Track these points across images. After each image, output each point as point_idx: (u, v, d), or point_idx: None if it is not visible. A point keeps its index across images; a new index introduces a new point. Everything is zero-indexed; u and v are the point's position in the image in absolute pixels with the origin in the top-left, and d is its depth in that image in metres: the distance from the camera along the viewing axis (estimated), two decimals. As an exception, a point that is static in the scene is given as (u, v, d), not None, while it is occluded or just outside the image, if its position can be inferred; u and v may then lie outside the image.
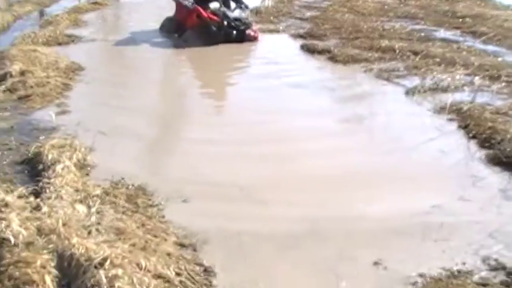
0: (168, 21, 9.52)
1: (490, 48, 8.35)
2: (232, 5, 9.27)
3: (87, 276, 2.83)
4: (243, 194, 4.12)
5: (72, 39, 8.73)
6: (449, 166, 4.67)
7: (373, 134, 5.39)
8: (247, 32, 8.99)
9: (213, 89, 7.03)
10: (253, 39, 9.03)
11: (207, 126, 5.52)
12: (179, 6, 9.20)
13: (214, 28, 8.68)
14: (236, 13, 9.08)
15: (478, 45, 8.52)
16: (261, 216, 3.83)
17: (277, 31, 9.80)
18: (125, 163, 4.57)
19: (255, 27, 9.35)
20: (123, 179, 4.24)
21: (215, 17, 8.71)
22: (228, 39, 8.76)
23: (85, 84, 6.68)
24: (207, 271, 3.21)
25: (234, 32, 8.82)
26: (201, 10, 8.63)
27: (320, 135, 5.28)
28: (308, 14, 10.97)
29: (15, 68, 6.58)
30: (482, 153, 4.86)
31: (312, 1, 12.38)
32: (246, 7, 9.43)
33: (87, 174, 4.36)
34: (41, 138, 4.92)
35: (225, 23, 8.76)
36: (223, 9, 8.94)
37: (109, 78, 7.22)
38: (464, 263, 3.29)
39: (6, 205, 3.54)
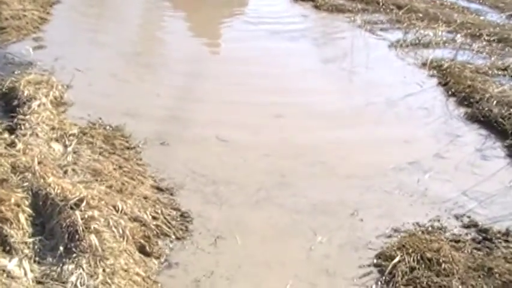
0: None
1: (473, 6, 8.30)
2: None
3: (63, 217, 2.80)
4: (220, 140, 4.10)
5: (49, -28, 8.42)
6: (427, 122, 4.68)
7: (353, 86, 5.39)
8: None
9: (194, 28, 6.89)
10: None
11: (187, 62, 5.47)
12: None
13: None
14: None
15: (461, 2, 8.46)
16: (236, 165, 3.81)
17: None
18: (102, 102, 4.50)
19: None
20: (100, 118, 4.18)
21: None
22: None
23: (63, 19, 6.50)
24: (184, 216, 3.21)
25: None
26: None
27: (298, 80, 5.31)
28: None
29: (-10, -1, 6.36)
30: (461, 111, 4.88)
31: None
32: None
33: (64, 112, 4.28)
34: (16, 73, 4.78)
35: None
36: None
37: (87, 13, 7.02)
38: (438, 220, 3.34)
39: (-20, 140, 3.46)
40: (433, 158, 4.09)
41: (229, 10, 7.55)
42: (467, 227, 3.30)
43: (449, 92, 5.21)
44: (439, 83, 5.45)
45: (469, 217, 3.39)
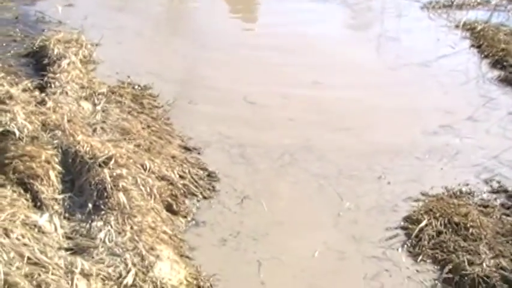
0: None
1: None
2: None
3: (92, 174, 2.83)
4: (247, 102, 4.09)
5: None
6: (460, 84, 4.62)
7: (385, 46, 5.30)
8: None
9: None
10: None
11: (213, 31, 5.38)
12: None
13: None
14: None
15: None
16: (263, 128, 3.80)
17: None
18: (131, 61, 4.51)
19: None
20: (128, 77, 4.19)
21: None
22: None
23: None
24: (211, 176, 3.23)
25: None
26: None
27: (330, 45, 5.20)
28: None
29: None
30: (494, 74, 4.80)
31: None
32: None
33: (93, 71, 4.30)
34: (46, 31, 4.81)
35: None
36: None
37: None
38: (466, 184, 3.30)
39: (11, 97, 3.48)
40: (465, 121, 4.03)
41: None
42: (496, 192, 3.26)
43: (483, 55, 5.12)
44: (472, 46, 5.35)
45: (498, 182, 3.34)
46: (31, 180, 2.78)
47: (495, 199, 3.19)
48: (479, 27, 5.60)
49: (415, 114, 4.10)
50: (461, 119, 4.05)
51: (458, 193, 3.21)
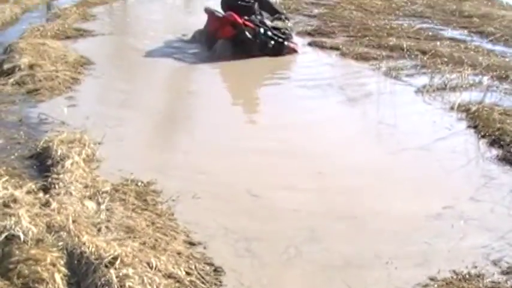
0: (199, 34, 8.53)
1: (498, 48, 8.34)
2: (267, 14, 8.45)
3: (98, 275, 2.82)
4: (251, 195, 4.10)
5: (80, 33, 8.67)
6: (460, 165, 4.65)
7: (383, 133, 5.38)
8: (286, 43, 7.99)
9: (220, 87, 6.98)
10: (292, 51, 8.03)
11: (213, 126, 5.47)
12: (211, 17, 8.21)
13: (249, 36, 7.64)
14: (275, 23, 8.20)
15: (486, 45, 8.51)
16: (268, 220, 3.80)
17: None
18: (134, 159, 4.56)
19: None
20: (132, 174, 4.23)
21: (251, 24, 7.72)
22: (264, 50, 7.75)
23: (94, 79, 6.65)
24: (217, 271, 3.20)
25: (272, 42, 7.79)
26: (236, 17, 7.62)
27: (330, 133, 5.30)
28: (316, 11, 10.93)
29: (24, 61, 6.57)
30: (492, 153, 4.85)
31: (320, -2, 12.33)
32: (287, 18, 8.61)
33: (96, 169, 4.34)
34: (49, 132, 4.90)
35: (262, 30, 7.76)
36: (260, 16, 8.05)
37: (118, 73, 7.21)
38: (475, 267, 3.26)
39: (15, 201, 3.52)
40: (468, 202, 4.04)
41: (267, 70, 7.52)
42: (506, 273, 3.22)
43: (480, 135, 5.19)
44: (469, 126, 5.43)
45: (508, 263, 3.31)
46: (36, 285, 2.77)
47: (506, 281, 3.14)
48: (473, 108, 5.70)
49: (418, 198, 4.11)
50: (464, 200, 4.06)
51: (467, 276, 3.17)
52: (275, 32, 7.91)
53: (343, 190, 4.20)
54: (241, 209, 3.90)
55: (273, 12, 8.43)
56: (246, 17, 7.75)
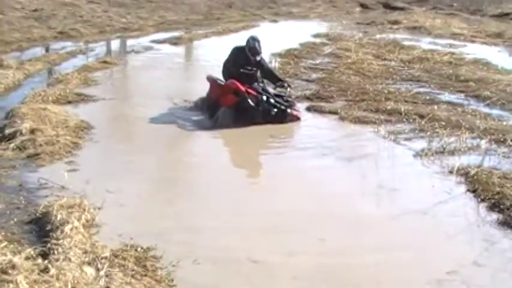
0: (201, 101, 8.40)
1: (495, 112, 8.41)
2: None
3: None
4: (251, 261, 4.08)
5: (82, 98, 8.74)
6: (460, 229, 4.66)
7: (383, 197, 5.39)
8: (289, 111, 7.90)
9: (220, 153, 7.00)
10: (296, 119, 7.94)
11: (214, 191, 5.46)
12: (214, 85, 8.12)
13: (252, 103, 7.58)
14: (278, 90, 8.20)
15: (483, 108, 8.59)
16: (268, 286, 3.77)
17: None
18: (133, 224, 4.55)
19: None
20: (131, 239, 4.21)
21: (254, 92, 7.70)
22: (267, 118, 7.66)
23: (94, 143, 6.68)
24: None
25: (275, 109, 7.73)
26: (239, 85, 7.62)
27: (331, 196, 5.31)
28: (314, 75, 11.05)
29: (25, 126, 6.62)
30: (492, 217, 4.86)
31: (318, 63, 12.51)
32: (289, 86, 8.54)
33: (96, 234, 4.33)
34: (49, 197, 4.91)
35: (264, 98, 7.73)
36: (262, 84, 8.10)
37: (118, 138, 7.25)
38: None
39: (14, 267, 3.50)
40: (471, 267, 4.03)
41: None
42: None
43: (479, 199, 5.20)
44: (468, 190, 5.45)
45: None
46: None
47: None
48: (472, 172, 5.72)
49: (420, 263, 4.09)
50: (467, 264, 4.05)
51: None
52: (278, 99, 7.89)
53: (343, 257, 4.18)
54: (241, 276, 3.87)
55: (275, 79, 8.42)
56: (248, 85, 7.76)
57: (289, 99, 8.19)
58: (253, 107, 7.60)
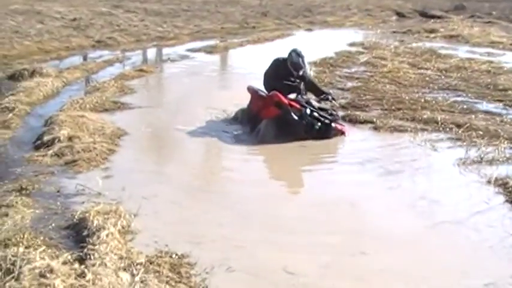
0: (241, 112, 8.10)
1: (535, 121, 8.25)
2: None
3: None
4: (286, 272, 4.04)
5: (118, 106, 8.86)
6: (499, 240, 4.57)
7: (421, 206, 5.33)
8: (334, 125, 7.50)
9: (257, 163, 6.93)
10: (340, 133, 7.55)
11: (250, 200, 5.45)
12: (255, 96, 7.81)
13: (295, 116, 7.19)
14: (322, 104, 7.82)
15: (522, 118, 8.44)
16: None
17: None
18: (168, 231, 4.58)
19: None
20: (166, 246, 4.25)
21: (297, 105, 7.31)
22: (310, 133, 7.28)
23: (130, 151, 6.77)
24: None
25: (318, 123, 7.32)
26: (281, 97, 7.25)
27: (370, 208, 5.28)
28: (350, 84, 10.98)
29: (63, 133, 6.74)
30: (532, 229, 4.75)
31: (353, 71, 12.44)
32: (334, 99, 8.18)
33: (131, 241, 4.38)
34: (86, 203, 4.98)
35: (308, 111, 7.32)
36: (306, 96, 7.79)
37: (154, 146, 7.34)
38: None
39: (52, 271, 3.56)
40: (509, 279, 3.94)
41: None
42: None
43: (518, 210, 5.10)
44: (506, 201, 5.35)
45: None
46: None
47: None
48: (511, 183, 5.62)
49: (459, 274, 4.04)
50: (505, 276, 3.97)
51: None
52: (322, 113, 7.48)
53: (379, 268, 4.13)
54: (275, 286, 3.86)
55: (319, 92, 8.07)
56: (291, 97, 7.42)
57: (334, 112, 7.82)
58: (296, 120, 7.21)
